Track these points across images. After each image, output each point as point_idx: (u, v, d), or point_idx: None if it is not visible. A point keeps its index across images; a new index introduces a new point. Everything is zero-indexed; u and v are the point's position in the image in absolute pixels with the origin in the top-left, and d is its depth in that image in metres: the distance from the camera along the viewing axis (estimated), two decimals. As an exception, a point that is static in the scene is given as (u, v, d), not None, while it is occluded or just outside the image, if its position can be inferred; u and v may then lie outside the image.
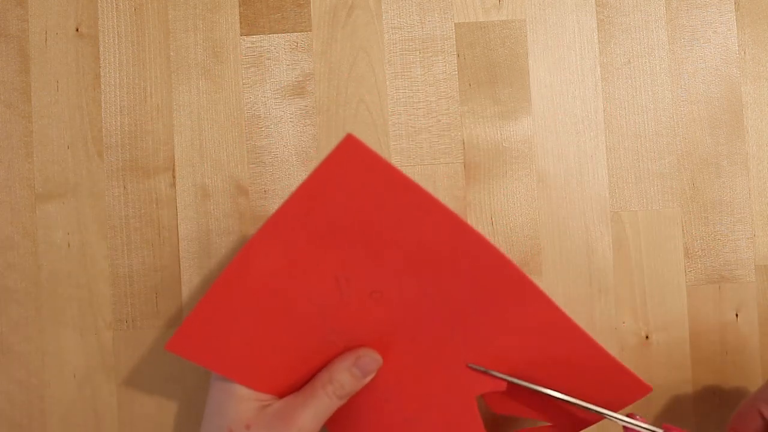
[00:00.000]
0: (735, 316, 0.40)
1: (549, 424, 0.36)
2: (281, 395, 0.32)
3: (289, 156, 0.40)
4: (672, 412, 0.40)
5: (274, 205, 0.40)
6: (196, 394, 0.40)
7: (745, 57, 0.41)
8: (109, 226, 0.40)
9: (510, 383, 0.33)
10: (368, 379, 0.32)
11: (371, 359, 0.32)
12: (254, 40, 0.41)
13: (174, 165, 0.40)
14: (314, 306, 0.32)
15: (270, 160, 0.40)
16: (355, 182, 0.29)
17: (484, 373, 0.33)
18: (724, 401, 0.40)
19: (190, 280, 0.40)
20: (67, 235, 0.40)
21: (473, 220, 0.40)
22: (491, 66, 0.41)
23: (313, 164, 0.40)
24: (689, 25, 0.41)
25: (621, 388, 0.33)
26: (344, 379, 0.31)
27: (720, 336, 0.40)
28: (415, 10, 0.41)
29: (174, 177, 0.40)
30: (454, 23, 0.41)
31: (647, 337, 0.40)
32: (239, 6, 0.41)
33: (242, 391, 0.31)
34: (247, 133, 0.40)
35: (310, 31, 0.41)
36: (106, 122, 0.40)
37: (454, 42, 0.41)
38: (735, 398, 0.40)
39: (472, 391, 0.33)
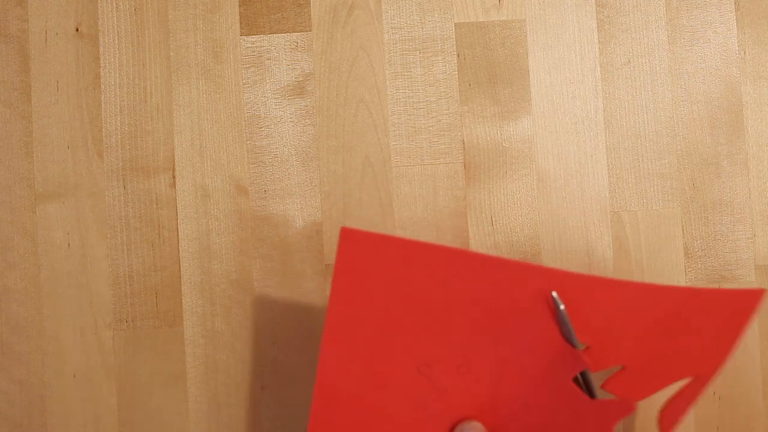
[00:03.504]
0: (735, 316, 0.40)
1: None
2: None
3: (289, 156, 0.40)
4: (672, 412, 0.40)
5: (274, 205, 0.40)
6: (197, 394, 0.40)
7: (745, 57, 0.41)
8: (109, 226, 0.40)
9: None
10: None
11: (473, 429, 0.32)
12: (254, 40, 0.41)
13: (174, 165, 0.40)
14: (412, 402, 0.32)
15: (270, 160, 0.40)
16: (374, 268, 0.31)
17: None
18: (724, 401, 0.40)
19: (190, 280, 0.40)
20: (67, 235, 0.40)
21: (473, 220, 0.40)
22: (491, 66, 0.41)
23: (314, 164, 0.40)
24: (689, 25, 0.41)
25: (733, 310, 0.32)
26: None
27: (720, 336, 0.40)
28: (415, 10, 0.41)
29: (174, 177, 0.40)
30: (454, 23, 0.41)
31: (647, 337, 0.40)
32: (239, 6, 0.41)
33: None
34: (247, 133, 0.40)
35: (310, 31, 0.41)
36: (106, 122, 0.40)
37: (454, 42, 0.41)
38: (735, 398, 0.40)
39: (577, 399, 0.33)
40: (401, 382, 0.32)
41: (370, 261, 0.31)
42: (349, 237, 0.30)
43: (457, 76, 0.40)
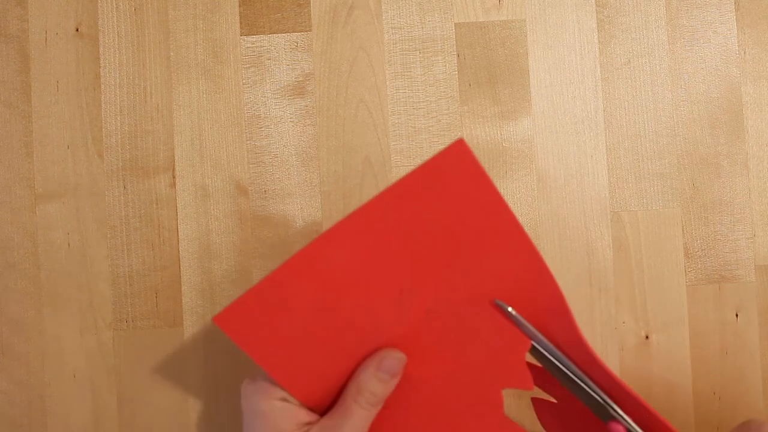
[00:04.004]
0: (735, 316, 0.40)
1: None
2: (309, 401, 0.31)
3: (289, 156, 0.40)
4: (672, 412, 0.40)
5: (274, 205, 0.40)
6: (197, 394, 0.40)
7: (745, 57, 0.41)
8: (109, 226, 0.40)
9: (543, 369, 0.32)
10: (396, 379, 0.31)
11: (395, 359, 0.31)
12: (254, 40, 0.41)
13: (174, 165, 0.40)
14: (371, 316, 0.31)
15: (270, 160, 0.40)
16: (452, 190, 0.29)
17: (510, 317, 0.31)
18: (724, 401, 0.40)
19: (190, 280, 0.40)
20: (67, 235, 0.40)
21: (473, 220, 0.40)
22: (491, 66, 0.41)
23: (314, 164, 0.40)
24: (689, 25, 0.41)
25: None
26: (373, 386, 0.30)
27: (720, 336, 0.40)
28: (415, 10, 0.41)
29: (174, 177, 0.40)
30: (454, 23, 0.41)
31: (647, 337, 0.40)
32: (239, 6, 0.41)
33: (278, 425, 0.30)
34: (247, 133, 0.40)
35: (310, 31, 0.41)
36: (106, 122, 0.40)
37: (454, 42, 0.41)
38: (735, 398, 0.40)
39: (499, 387, 0.32)
40: (380, 288, 0.30)
41: (452, 182, 0.29)
42: (458, 151, 0.28)
43: (457, 76, 0.40)
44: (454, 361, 0.32)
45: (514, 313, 0.31)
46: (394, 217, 0.29)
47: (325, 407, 0.31)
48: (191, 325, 0.40)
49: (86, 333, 0.40)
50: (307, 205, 0.40)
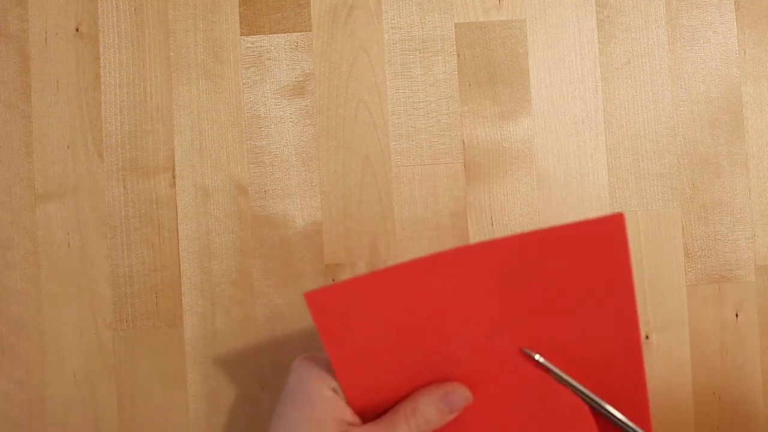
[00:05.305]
0: (735, 316, 0.40)
1: None
2: (356, 404, 0.30)
3: (289, 156, 0.40)
4: (672, 412, 0.40)
5: (274, 205, 0.40)
6: (197, 394, 0.40)
7: (745, 57, 0.41)
8: (109, 226, 0.40)
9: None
10: (454, 416, 0.30)
11: (461, 396, 0.30)
12: (254, 40, 0.41)
13: (174, 165, 0.40)
14: (452, 346, 0.30)
15: (270, 160, 0.40)
16: (589, 257, 0.29)
17: (539, 364, 0.31)
18: (724, 401, 0.40)
19: (190, 280, 0.40)
20: (67, 235, 0.40)
21: (473, 220, 0.40)
22: (491, 66, 0.41)
23: (314, 164, 0.40)
24: (689, 25, 0.41)
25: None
26: (429, 413, 0.29)
27: (720, 336, 0.40)
28: (415, 10, 0.41)
29: (174, 177, 0.40)
30: (454, 23, 0.41)
31: (647, 337, 0.40)
32: (239, 6, 0.41)
33: (321, 414, 0.29)
34: (247, 133, 0.41)
35: (310, 31, 0.41)
36: (106, 122, 0.40)
37: (454, 42, 0.41)
38: (735, 398, 0.40)
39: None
40: (467, 326, 0.30)
41: (593, 249, 0.29)
42: (617, 223, 0.28)
43: (457, 76, 0.41)
44: (514, 417, 0.31)
45: (542, 361, 0.30)
46: (520, 261, 0.29)
47: (366, 417, 0.31)
48: (191, 325, 0.40)
49: (86, 333, 0.40)
50: (307, 205, 0.40)
